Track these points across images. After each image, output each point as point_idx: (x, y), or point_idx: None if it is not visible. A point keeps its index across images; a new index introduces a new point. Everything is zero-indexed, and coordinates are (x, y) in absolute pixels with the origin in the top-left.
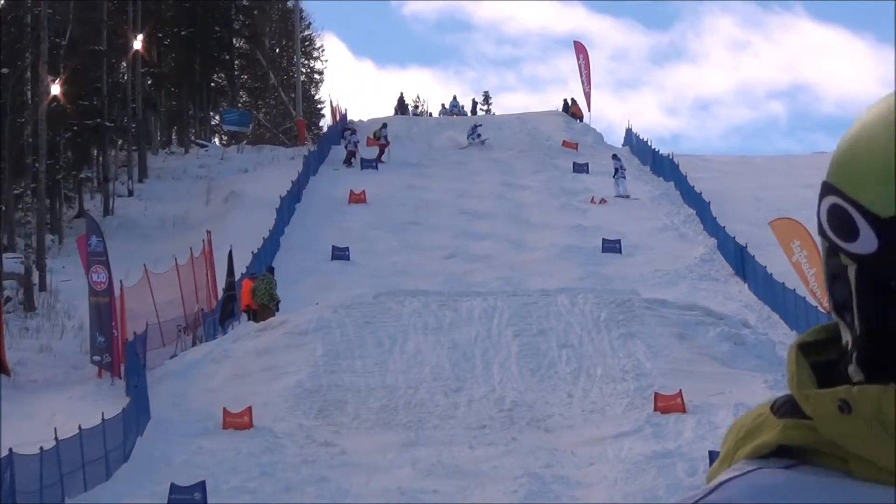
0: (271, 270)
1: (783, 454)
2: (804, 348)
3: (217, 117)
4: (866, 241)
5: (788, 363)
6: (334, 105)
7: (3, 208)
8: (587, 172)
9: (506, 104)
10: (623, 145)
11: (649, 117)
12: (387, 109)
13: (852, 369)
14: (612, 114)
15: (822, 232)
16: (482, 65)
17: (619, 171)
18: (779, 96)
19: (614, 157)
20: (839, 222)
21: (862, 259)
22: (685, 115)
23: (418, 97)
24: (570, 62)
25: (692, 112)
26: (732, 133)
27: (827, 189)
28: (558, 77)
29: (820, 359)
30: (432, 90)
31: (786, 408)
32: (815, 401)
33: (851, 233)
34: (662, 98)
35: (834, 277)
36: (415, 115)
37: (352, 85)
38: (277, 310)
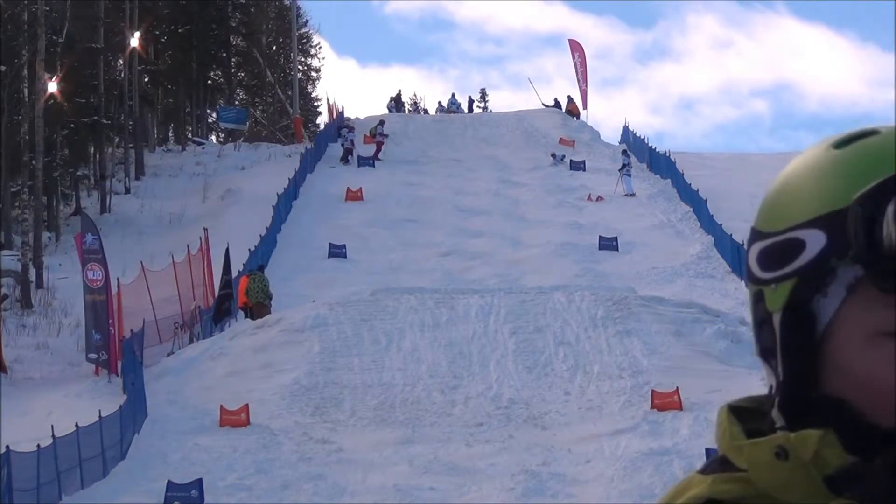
0: (261, 268)
1: None
2: (735, 412)
3: (214, 115)
4: (814, 243)
5: (719, 422)
6: (331, 103)
7: (0, 206)
8: (584, 170)
9: (491, 102)
10: (619, 143)
11: (633, 116)
12: (380, 107)
13: (774, 413)
14: (597, 112)
15: (752, 279)
16: (466, 63)
17: (625, 168)
18: (762, 95)
19: (624, 152)
20: (777, 254)
21: (808, 267)
22: (669, 113)
23: (415, 94)
24: (553, 60)
25: (676, 111)
26: (716, 131)
27: (757, 235)
28: (542, 75)
29: (749, 426)
30: (417, 88)
31: (713, 466)
32: (751, 449)
33: (795, 249)
34: (646, 97)
35: (761, 323)
36: (419, 112)
37: (343, 83)
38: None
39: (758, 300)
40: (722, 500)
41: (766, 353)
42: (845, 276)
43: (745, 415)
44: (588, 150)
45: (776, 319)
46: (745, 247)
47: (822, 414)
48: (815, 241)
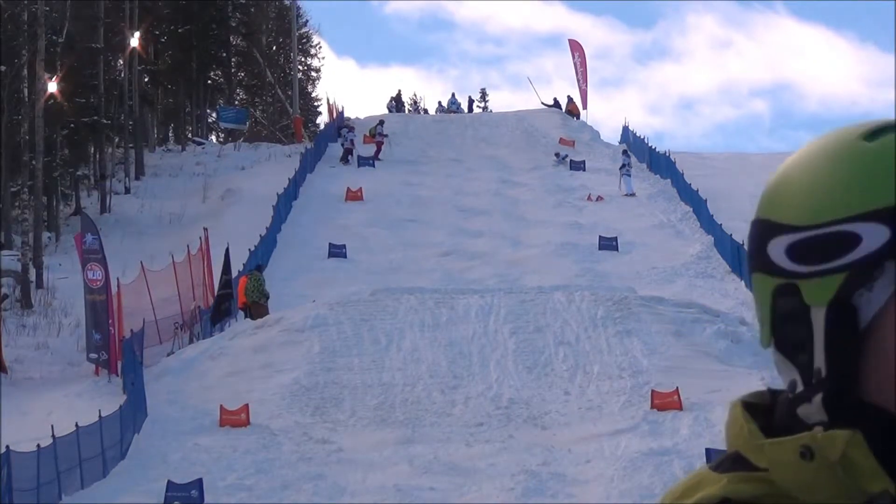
0: (259, 268)
1: None
2: (747, 408)
3: (214, 115)
4: (874, 238)
5: (733, 419)
6: (331, 103)
7: (0, 206)
8: (584, 170)
9: (491, 102)
10: (620, 143)
11: (633, 116)
12: (379, 107)
13: (809, 410)
14: (596, 112)
15: (777, 272)
16: (465, 63)
17: (625, 167)
18: (762, 94)
19: (624, 152)
20: (821, 248)
21: (864, 261)
22: (668, 113)
23: (415, 94)
24: (552, 60)
25: (675, 111)
26: (716, 131)
27: (782, 228)
28: (542, 75)
29: (759, 423)
30: (416, 88)
31: (726, 464)
32: (773, 449)
33: (847, 244)
34: (646, 97)
35: (787, 317)
36: (419, 112)
37: (343, 83)
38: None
39: (784, 293)
40: (738, 499)
41: (790, 348)
42: (893, 272)
43: (752, 411)
44: (588, 150)
45: (818, 314)
46: (755, 239)
47: (857, 413)
48: (874, 235)
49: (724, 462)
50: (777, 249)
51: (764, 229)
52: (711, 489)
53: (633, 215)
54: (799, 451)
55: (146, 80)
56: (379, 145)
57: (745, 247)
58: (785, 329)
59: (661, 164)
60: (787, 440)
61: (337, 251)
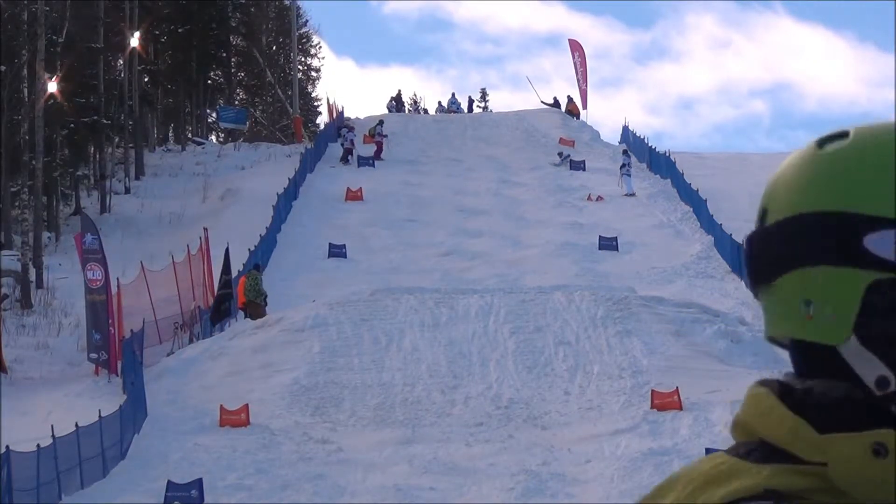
0: (257, 267)
1: (761, 499)
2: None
3: (214, 115)
4: None
5: (767, 409)
6: (331, 103)
7: (0, 206)
8: (584, 170)
9: (491, 102)
10: (619, 143)
11: (632, 116)
12: (379, 107)
13: None
14: (595, 112)
15: (875, 265)
16: (464, 63)
17: (625, 167)
18: (761, 94)
19: (624, 152)
20: None
21: None
22: (668, 113)
23: (415, 94)
24: (551, 60)
25: (674, 111)
26: (715, 131)
27: (890, 223)
28: (541, 75)
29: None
30: (415, 88)
31: (758, 454)
32: (838, 443)
33: None
34: (645, 96)
35: (889, 312)
36: (419, 112)
37: (342, 83)
38: (265, 304)
39: (889, 288)
40: (783, 491)
41: (888, 343)
42: None
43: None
44: (588, 150)
45: None
46: (833, 233)
47: None
48: None
49: (755, 451)
50: (882, 244)
51: (851, 223)
52: (750, 479)
53: (633, 215)
54: (872, 448)
55: (146, 80)
56: (379, 145)
57: (793, 241)
58: (885, 324)
59: (660, 163)
60: (856, 436)
61: (337, 251)
